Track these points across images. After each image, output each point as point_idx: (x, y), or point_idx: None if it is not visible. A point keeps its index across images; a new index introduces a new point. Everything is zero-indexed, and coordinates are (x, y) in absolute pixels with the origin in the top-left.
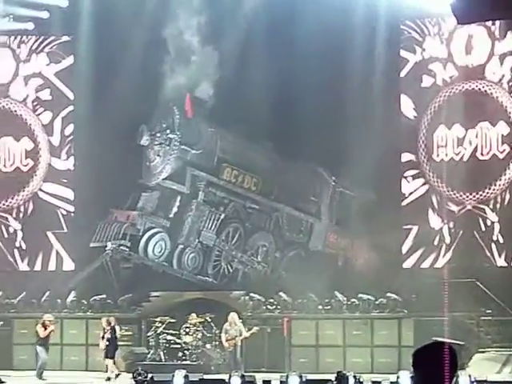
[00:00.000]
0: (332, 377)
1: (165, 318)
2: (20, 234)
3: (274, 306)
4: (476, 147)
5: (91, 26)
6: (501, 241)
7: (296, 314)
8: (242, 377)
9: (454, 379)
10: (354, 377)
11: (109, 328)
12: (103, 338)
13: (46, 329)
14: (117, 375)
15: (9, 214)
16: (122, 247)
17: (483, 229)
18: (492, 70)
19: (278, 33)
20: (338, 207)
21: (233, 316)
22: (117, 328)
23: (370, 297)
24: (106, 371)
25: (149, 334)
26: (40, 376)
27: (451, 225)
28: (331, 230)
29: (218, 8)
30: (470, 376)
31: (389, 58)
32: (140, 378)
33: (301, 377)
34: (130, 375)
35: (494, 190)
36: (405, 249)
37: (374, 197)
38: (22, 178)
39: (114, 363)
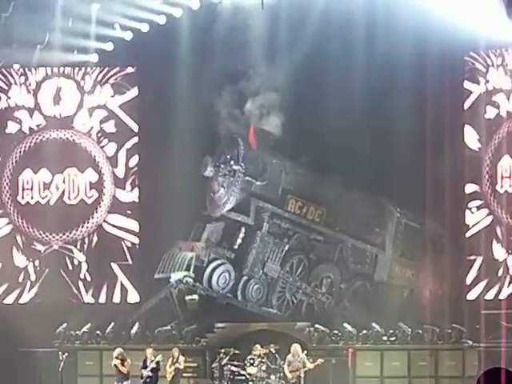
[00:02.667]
0: None
1: (229, 350)
2: (84, 266)
3: (339, 338)
4: None
5: (155, 58)
6: None
7: (360, 345)
8: None
9: None
10: None
11: (153, 359)
12: (145, 367)
13: (123, 363)
14: None
15: (73, 246)
16: (186, 278)
17: None
18: None
19: (342, 64)
20: (402, 238)
21: (295, 347)
22: (159, 360)
23: (434, 328)
24: None
25: (213, 365)
26: None
27: None
28: (396, 261)
29: (282, 40)
30: None
31: (453, 89)
32: None
33: None
34: None
35: None
36: (469, 280)
37: (439, 228)
38: (87, 209)
39: None
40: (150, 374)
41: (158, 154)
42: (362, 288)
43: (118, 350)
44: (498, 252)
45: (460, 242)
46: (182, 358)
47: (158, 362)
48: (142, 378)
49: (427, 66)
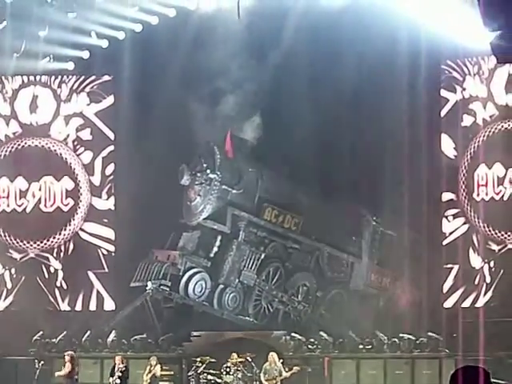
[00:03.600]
0: None
1: (205, 358)
2: (61, 274)
3: (315, 346)
4: None
5: (131, 66)
6: None
7: (337, 353)
8: None
9: None
10: None
11: (122, 366)
12: (112, 375)
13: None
14: None
15: (49, 254)
16: (162, 287)
17: None
18: None
19: (319, 72)
20: (379, 247)
21: (273, 355)
22: (129, 367)
23: (411, 336)
24: None
25: (190, 373)
26: None
27: (491, 264)
28: (372, 269)
29: (259, 47)
30: None
31: (430, 97)
32: None
33: None
34: None
35: None
36: (446, 288)
37: (415, 236)
38: (63, 217)
39: None
40: (118, 381)
41: (134, 162)
42: (339, 296)
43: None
44: (475, 260)
45: (437, 250)
46: (158, 367)
47: (125, 369)
48: None
49: (404, 75)
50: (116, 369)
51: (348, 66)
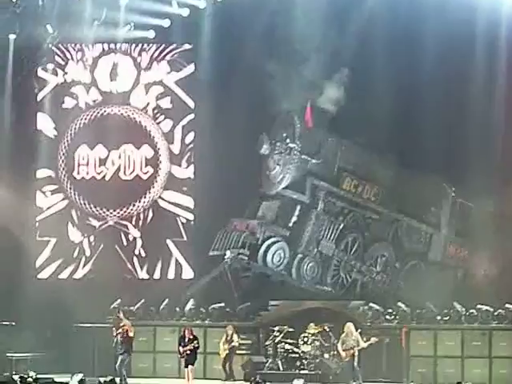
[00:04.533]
0: None
1: (283, 327)
2: (139, 242)
3: (393, 317)
4: None
5: (212, 35)
6: None
7: (414, 324)
8: None
9: None
10: None
11: (191, 337)
12: (181, 344)
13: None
14: None
15: (128, 222)
16: (241, 256)
17: None
18: None
19: (402, 43)
20: (457, 218)
21: (349, 326)
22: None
23: (488, 308)
24: (188, 380)
25: (267, 342)
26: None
27: None
28: (451, 241)
29: (340, 17)
30: None
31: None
32: None
33: None
34: None
35: None
36: None
37: (494, 208)
38: (142, 185)
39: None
40: (189, 351)
41: (214, 130)
42: (417, 267)
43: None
44: None
45: None
46: (235, 336)
47: (197, 339)
48: (180, 354)
49: (484, 43)
50: (187, 340)
51: (429, 37)
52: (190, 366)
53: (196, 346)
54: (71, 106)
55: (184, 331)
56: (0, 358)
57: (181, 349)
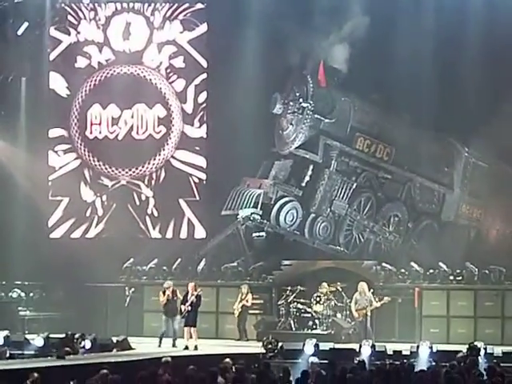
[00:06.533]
0: (463, 348)
1: (296, 287)
2: (152, 202)
3: (406, 276)
4: None
5: None
6: None
7: (427, 284)
8: (373, 347)
9: None
10: (485, 348)
11: (194, 293)
12: (184, 303)
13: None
14: (195, 347)
15: (141, 181)
16: (253, 215)
17: None
18: None
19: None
20: (470, 178)
21: (362, 285)
22: (201, 296)
23: (501, 268)
24: (187, 340)
25: (279, 302)
26: (173, 344)
27: None
28: (464, 200)
29: None
30: None
31: None
32: (270, 346)
33: (431, 347)
34: (261, 343)
35: None
36: None
37: (507, 167)
38: (155, 145)
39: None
40: (190, 308)
41: (227, 90)
42: (430, 227)
43: (166, 283)
44: None
45: None
46: (250, 295)
47: (198, 297)
48: (181, 313)
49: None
50: (189, 296)
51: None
52: (192, 328)
53: (195, 300)
54: (84, 66)
55: (187, 287)
56: (13, 317)
57: (182, 307)
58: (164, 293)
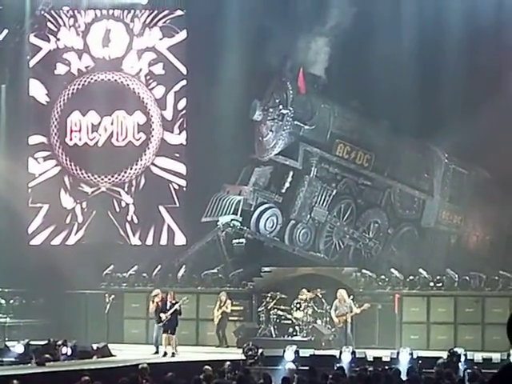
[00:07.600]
0: (443, 354)
1: (276, 294)
2: (132, 208)
3: (386, 283)
4: None
5: (204, 0)
6: None
7: (407, 290)
8: (353, 353)
9: None
10: (465, 354)
11: (174, 302)
12: (164, 311)
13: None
14: (173, 354)
15: (121, 188)
16: (233, 222)
17: None
18: None
19: (392, 11)
20: (450, 184)
21: (341, 293)
22: (180, 303)
23: (481, 274)
24: (165, 346)
25: (259, 309)
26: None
27: None
28: (444, 207)
29: None
30: None
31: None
32: (251, 352)
33: (411, 354)
34: (241, 350)
35: None
36: None
37: (487, 174)
38: (135, 152)
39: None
40: (170, 317)
41: (207, 97)
42: (410, 233)
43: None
44: None
45: (508, 188)
46: (229, 302)
47: (178, 305)
48: (160, 321)
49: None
50: (168, 305)
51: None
52: (172, 336)
53: (178, 309)
54: (63, 73)
55: (166, 296)
56: None
57: (162, 315)
58: (153, 301)
